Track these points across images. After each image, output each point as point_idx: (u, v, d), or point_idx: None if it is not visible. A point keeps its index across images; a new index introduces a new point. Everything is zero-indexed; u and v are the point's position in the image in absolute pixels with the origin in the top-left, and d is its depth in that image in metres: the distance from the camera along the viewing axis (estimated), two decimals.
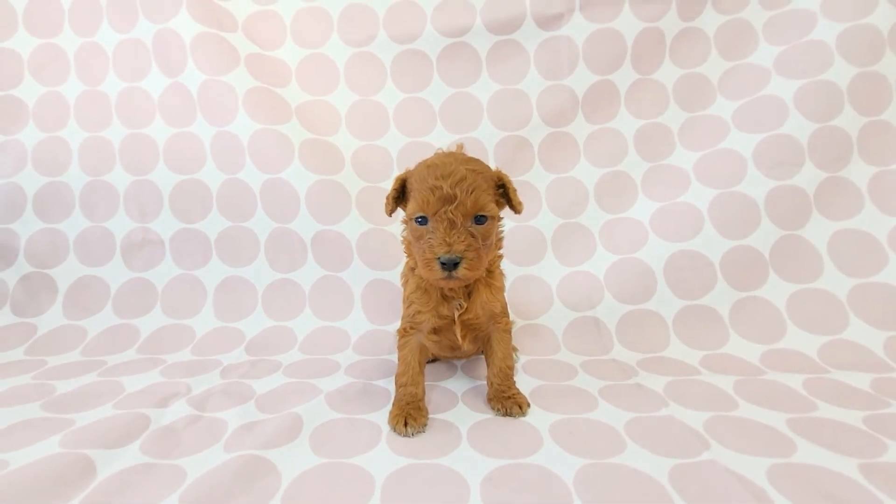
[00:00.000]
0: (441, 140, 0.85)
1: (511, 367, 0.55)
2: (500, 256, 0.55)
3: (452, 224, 0.44)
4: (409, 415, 0.49)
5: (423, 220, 0.46)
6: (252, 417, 0.53)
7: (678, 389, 0.57)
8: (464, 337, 0.54)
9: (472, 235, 0.45)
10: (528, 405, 0.53)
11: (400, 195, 0.51)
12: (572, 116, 0.85)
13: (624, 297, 0.75)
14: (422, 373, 0.54)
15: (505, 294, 0.56)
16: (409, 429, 0.48)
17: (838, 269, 0.71)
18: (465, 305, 0.52)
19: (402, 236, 0.54)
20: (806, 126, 0.75)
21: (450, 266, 0.44)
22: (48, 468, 0.42)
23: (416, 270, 0.52)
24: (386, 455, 0.45)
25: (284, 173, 0.79)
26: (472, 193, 0.44)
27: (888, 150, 0.74)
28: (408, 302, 0.54)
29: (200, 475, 0.42)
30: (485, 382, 0.57)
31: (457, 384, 0.62)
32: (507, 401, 0.53)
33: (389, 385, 0.61)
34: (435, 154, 0.50)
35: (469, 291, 0.52)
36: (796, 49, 0.78)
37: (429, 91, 0.86)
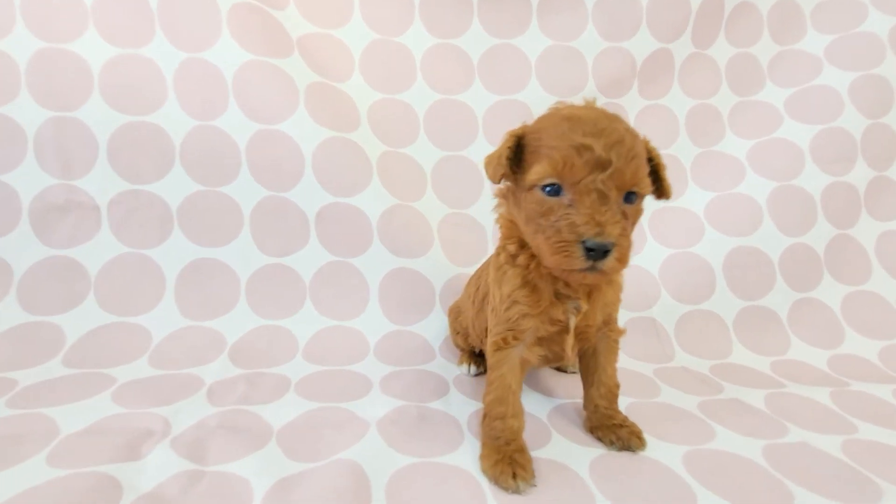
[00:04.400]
0: (479, 101, 0.70)
1: (618, 387, 0.44)
2: None
3: (604, 198, 0.32)
4: (515, 461, 0.36)
5: (555, 190, 0.33)
6: (284, 471, 0.36)
7: (780, 405, 0.51)
8: (573, 348, 0.42)
9: (625, 216, 0.33)
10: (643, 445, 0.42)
11: (514, 155, 0.37)
12: (628, 87, 0.74)
13: (682, 296, 0.68)
14: (519, 397, 0.41)
15: None
16: (519, 483, 0.35)
17: (885, 270, 0.70)
18: (584, 307, 0.40)
19: (500, 214, 0.41)
20: (860, 121, 0.72)
21: (598, 254, 0.31)
22: None
23: (519, 259, 0.39)
24: None
25: (283, 124, 0.60)
26: (632, 161, 0.32)
27: None
28: (507, 302, 0.40)
29: None
30: (562, 400, 0.45)
31: (527, 402, 0.49)
32: (620, 429, 0.42)
33: (447, 407, 0.47)
34: (565, 105, 0.37)
35: (589, 289, 0.40)
36: (845, 40, 0.75)
37: (466, 38, 0.70)
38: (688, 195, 0.74)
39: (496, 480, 0.36)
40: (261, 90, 0.60)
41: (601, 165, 0.32)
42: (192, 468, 0.36)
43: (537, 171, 0.33)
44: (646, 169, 0.34)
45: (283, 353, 0.57)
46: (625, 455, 0.41)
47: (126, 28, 0.59)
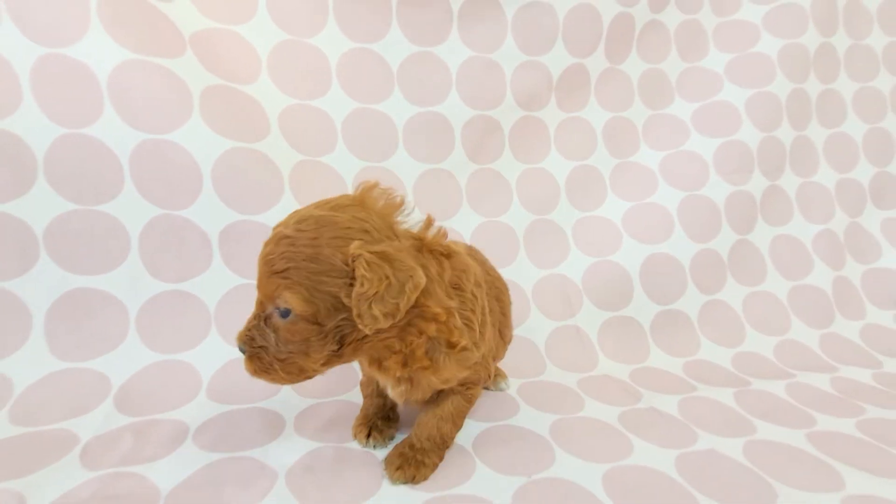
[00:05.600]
0: (399, 111, 0.67)
1: (440, 433, 0.41)
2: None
3: (259, 305, 0.35)
4: (376, 426, 0.44)
5: None
6: None
7: (692, 411, 0.53)
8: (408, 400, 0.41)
9: (274, 330, 0.33)
10: (409, 482, 0.39)
11: None
12: (546, 100, 0.75)
13: (603, 303, 0.70)
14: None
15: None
16: (371, 440, 0.44)
17: (778, 271, 0.77)
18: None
19: None
20: (755, 134, 0.78)
21: (244, 355, 0.35)
22: None
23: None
24: None
25: (175, 133, 0.53)
26: (269, 277, 0.32)
27: (810, 163, 0.82)
28: None
29: None
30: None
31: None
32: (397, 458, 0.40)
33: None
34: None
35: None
36: (743, 59, 0.81)
37: (385, 44, 0.66)
38: (606, 205, 0.76)
39: (354, 436, 0.44)
40: (144, 94, 0.52)
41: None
42: None
43: None
44: (290, 286, 0.31)
45: (182, 393, 0.50)
46: (544, 479, 0.40)
47: None
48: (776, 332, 0.72)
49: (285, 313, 0.31)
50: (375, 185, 0.34)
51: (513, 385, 0.57)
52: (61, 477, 0.37)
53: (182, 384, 0.51)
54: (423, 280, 0.31)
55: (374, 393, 0.44)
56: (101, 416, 0.46)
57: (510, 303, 0.49)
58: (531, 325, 0.67)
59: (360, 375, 0.48)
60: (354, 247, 0.30)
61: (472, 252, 0.47)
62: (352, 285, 0.30)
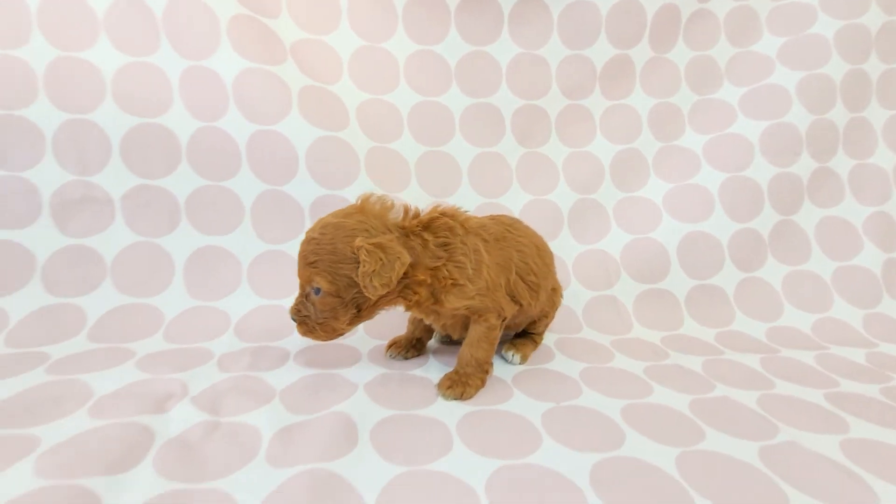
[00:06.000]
0: (456, 102, 0.77)
1: (474, 357, 0.51)
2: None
3: (301, 288, 0.50)
4: (397, 342, 0.59)
5: None
6: (287, 421, 0.44)
7: (716, 370, 0.59)
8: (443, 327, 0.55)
9: (313, 304, 0.48)
10: (458, 398, 0.49)
11: None
12: (590, 89, 0.81)
13: (640, 276, 0.76)
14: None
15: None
16: (389, 352, 0.58)
17: (823, 252, 0.78)
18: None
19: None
20: (805, 117, 0.79)
21: (295, 324, 0.51)
22: None
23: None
24: (469, 460, 0.39)
25: (280, 124, 0.66)
26: (306, 267, 0.48)
27: (867, 145, 0.81)
28: None
29: (262, 500, 0.33)
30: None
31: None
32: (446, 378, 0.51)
33: (431, 373, 0.55)
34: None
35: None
36: (797, 42, 0.82)
37: (445, 45, 0.76)
38: (648, 186, 0.81)
39: (386, 350, 0.58)
40: (258, 94, 0.66)
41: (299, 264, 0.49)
42: (209, 419, 0.43)
43: None
44: (319, 272, 0.45)
45: (282, 329, 0.64)
46: (570, 406, 0.49)
47: (134, 38, 0.65)
48: (817, 310, 0.74)
49: (317, 291, 0.46)
50: (371, 195, 0.49)
51: (550, 339, 0.66)
52: (207, 375, 0.52)
53: (282, 323, 0.65)
54: (407, 259, 0.45)
55: (411, 325, 0.59)
56: (227, 341, 0.61)
57: (546, 258, 0.57)
58: (570, 294, 0.74)
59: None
60: (358, 241, 0.44)
61: (503, 220, 0.56)
62: (358, 267, 0.44)
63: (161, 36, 0.64)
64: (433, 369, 0.56)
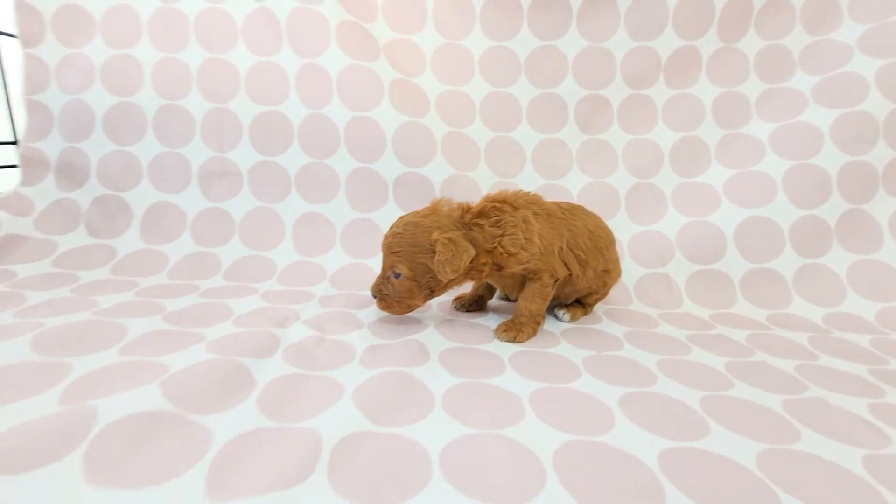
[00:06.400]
0: (524, 93, 0.85)
1: (528, 309, 0.60)
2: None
3: (382, 271, 0.61)
4: (460, 298, 0.69)
5: None
6: (373, 341, 0.55)
7: (760, 341, 0.62)
8: (503, 288, 0.65)
9: (393, 285, 0.59)
10: (511, 341, 0.58)
11: None
12: (654, 79, 0.86)
13: (694, 257, 0.79)
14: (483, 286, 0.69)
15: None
16: (454, 304, 0.69)
17: None
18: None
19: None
20: (884, 104, 0.77)
21: (376, 299, 0.61)
22: (213, 370, 0.44)
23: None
24: (517, 380, 0.48)
25: (373, 112, 0.79)
26: (390, 255, 0.58)
27: None
28: None
29: (358, 385, 0.44)
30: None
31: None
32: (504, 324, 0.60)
33: (490, 322, 0.64)
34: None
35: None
36: (879, 29, 0.80)
37: (516, 41, 0.85)
38: (709, 172, 0.84)
39: (452, 303, 0.69)
40: (356, 86, 0.79)
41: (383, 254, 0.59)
42: (317, 335, 0.56)
43: None
44: (400, 260, 0.56)
45: (367, 281, 0.76)
46: (610, 355, 0.55)
47: (263, 41, 0.81)
48: (884, 299, 0.73)
49: (398, 276, 0.57)
50: (441, 199, 0.60)
51: (599, 308, 0.72)
52: (312, 309, 0.65)
53: (367, 277, 0.78)
54: (472, 252, 0.55)
55: (475, 286, 0.69)
56: (324, 287, 0.74)
57: (597, 241, 0.64)
58: (623, 270, 0.80)
59: None
60: (435, 235, 0.55)
61: (562, 204, 0.65)
62: (434, 257, 0.54)
63: (283, 39, 0.80)
64: (492, 319, 0.66)
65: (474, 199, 0.80)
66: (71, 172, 0.83)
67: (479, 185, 0.82)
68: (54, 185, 0.82)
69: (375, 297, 0.60)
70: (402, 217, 0.59)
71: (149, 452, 0.33)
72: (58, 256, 0.75)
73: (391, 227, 0.59)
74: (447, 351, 0.54)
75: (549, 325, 0.65)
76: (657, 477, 0.34)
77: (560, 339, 0.60)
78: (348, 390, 0.43)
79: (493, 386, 0.47)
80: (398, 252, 0.56)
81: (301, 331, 0.57)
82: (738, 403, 0.46)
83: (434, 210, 0.59)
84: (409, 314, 0.63)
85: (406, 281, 0.57)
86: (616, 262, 0.69)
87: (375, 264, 0.80)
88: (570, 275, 0.62)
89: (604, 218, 0.83)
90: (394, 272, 0.57)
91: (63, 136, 0.83)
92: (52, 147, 0.83)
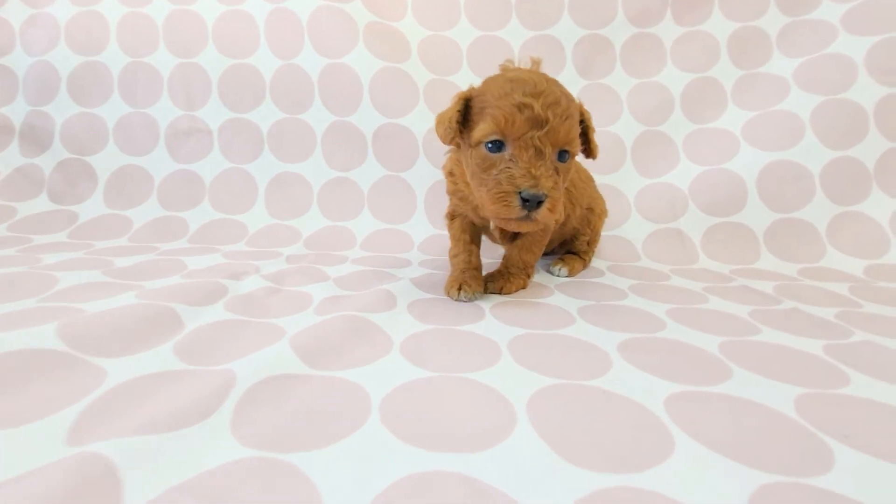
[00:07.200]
0: (516, 37, 0.78)
1: (521, 259, 0.51)
2: None
3: (540, 154, 0.36)
4: (464, 281, 0.47)
5: (498, 146, 0.37)
6: (337, 293, 0.48)
7: (789, 291, 0.53)
8: (503, 237, 0.52)
9: (557, 172, 0.38)
10: (497, 292, 0.49)
11: (463, 117, 0.41)
12: (660, 16, 0.77)
13: (711, 209, 0.70)
14: (473, 243, 0.52)
15: None
16: (462, 293, 0.46)
17: None
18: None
19: (446, 166, 0.51)
20: None
21: (532, 204, 0.36)
22: (131, 314, 0.37)
23: (455, 222, 0.53)
24: (497, 327, 0.40)
25: (347, 57, 0.72)
26: (566, 120, 0.37)
27: None
28: (453, 199, 0.52)
29: (301, 329, 0.37)
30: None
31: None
32: (495, 277, 0.51)
33: None
34: (511, 68, 0.42)
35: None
36: None
37: None
38: (726, 116, 0.75)
39: (447, 293, 0.47)
40: (329, 30, 0.73)
41: (539, 123, 0.36)
42: (273, 286, 0.49)
43: (482, 129, 0.37)
44: (577, 130, 0.39)
45: (345, 244, 0.70)
46: (611, 305, 0.47)
47: None
48: None
49: (564, 156, 0.38)
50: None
51: (602, 265, 0.64)
52: (276, 264, 0.58)
53: (345, 240, 0.71)
54: None
55: (461, 251, 0.51)
56: (295, 248, 0.68)
57: (580, 168, 0.58)
58: (629, 227, 0.71)
59: None
60: (578, 105, 0.41)
61: None
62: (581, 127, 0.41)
63: (306, 40, 0.74)
64: None
65: None
66: (35, 136, 0.78)
67: None
68: (18, 151, 0.78)
69: (540, 204, 0.36)
70: (525, 72, 0.39)
71: (19, 392, 0.27)
72: (14, 222, 0.70)
73: (531, 87, 0.36)
74: (419, 301, 0.46)
75: (544, 278, 0.57)
76: (663, 420, 0.26)
77: (554, 290, 0.52)
78: (289, 334, 0.36)
79: (466, 332, 0.39)
80: (573, 116, 0.38)
81: (256, 282, 0.50)
82: (766, 348, 0.37)
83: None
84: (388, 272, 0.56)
85: (570, 163, 0.40)
86: (599, 198, 0.62)
87: (355, 226, 0.73)
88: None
89: (607, 170, 0.76)
90: (561, 150, 0.38)
91: (27, 100, 0.78)
92: (16, 112, 0.79)
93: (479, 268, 0.51)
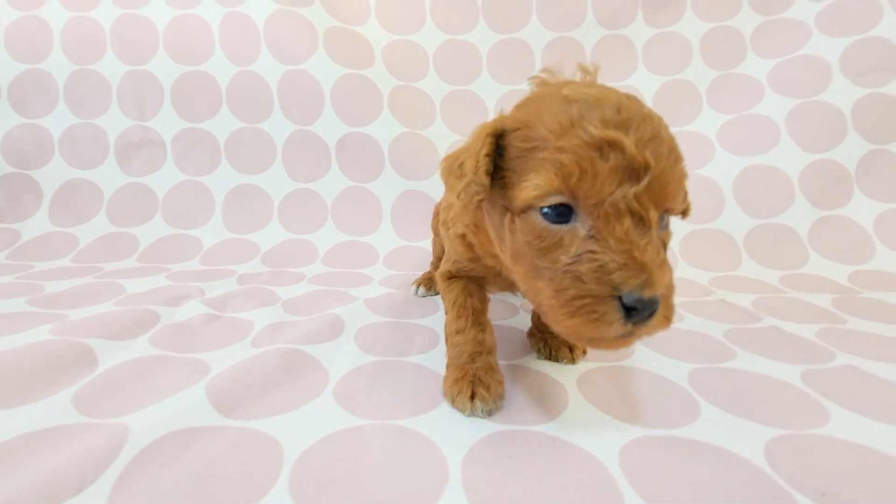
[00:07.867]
0: (483, 41, 0.74)
1: None
2: None
3: (641, 223, 0.21)
4: (478, 380, 0.29)
5: (563, 214, 0.22)
6: (281, 318, 0.44)
7: (769, 305, 0.50)
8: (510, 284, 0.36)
9: (664, 246, 0.24)
10: (583, 352, 0.36)
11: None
12: (631, 17, 0.74)
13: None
14: (483, 310, 0.35)
15: None
16: (478, 404, 0.28)
17: None
18: None
19: (450, 224, 0.35)
20: None
21: (643, 315, 0.21)
22: (36, 353, 0.33)
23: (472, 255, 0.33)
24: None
25: (307, 64, 0.69)
26: (676, 165, 0.23)
27: None
28: (453, 255, 0.36)
29: (226, 368, 0.33)
30: None
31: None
32: (552, 340, 0.36)
33: (437, 298, 0.53)
34: (563, 81, 0.27)
35: None
36: None
37: None
38: (700, 119, 0.72)
39: (453, 402, 0.29)
40: (287, 36, 0.69)
41: (634, 173, 0.21)
42: (212, 313, 0.45)
43: (536, 186, 0.22)
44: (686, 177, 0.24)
45: (305, 258, 0.66)
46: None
47: None
48: None
49: (662, 219, 0.23)
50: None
51: None
52: (225, 285, 0.54)
53: (306, 255, 0.67)
54: None
55: (472, 324, 0.33)
56: (251, 266, 0.64)
57: None
58: None
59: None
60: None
61: None
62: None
63: (262, 44, 0.70)
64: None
65: (431, 161, 0.70)
66: None
67: (434, 145, 0.71)
68: None
69: (655, 309, 0.21)
70: (602, 93, 0.23)
71: None
72: None
73: (594, 107, 0.22)
74: (368, 327, 0.43)
75: (511, 297, 0.53)
76: (613, 476, 0.23)
77: (519, 310, 0.49)
78: (210, 375, 0.32)
79: (411, 365, 0.35)
80: (680, 158, 0.23)
81: (194, 308, 0.46)
82: (740, 377, 0.34)
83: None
84: None
85: (668, 229, 0.25)
86: None
87: (317, 239, 0.69)
88: None
89: None
90: (665, 213, 0.24)
91: None
92: None
93: (494, 351, 0.32)
